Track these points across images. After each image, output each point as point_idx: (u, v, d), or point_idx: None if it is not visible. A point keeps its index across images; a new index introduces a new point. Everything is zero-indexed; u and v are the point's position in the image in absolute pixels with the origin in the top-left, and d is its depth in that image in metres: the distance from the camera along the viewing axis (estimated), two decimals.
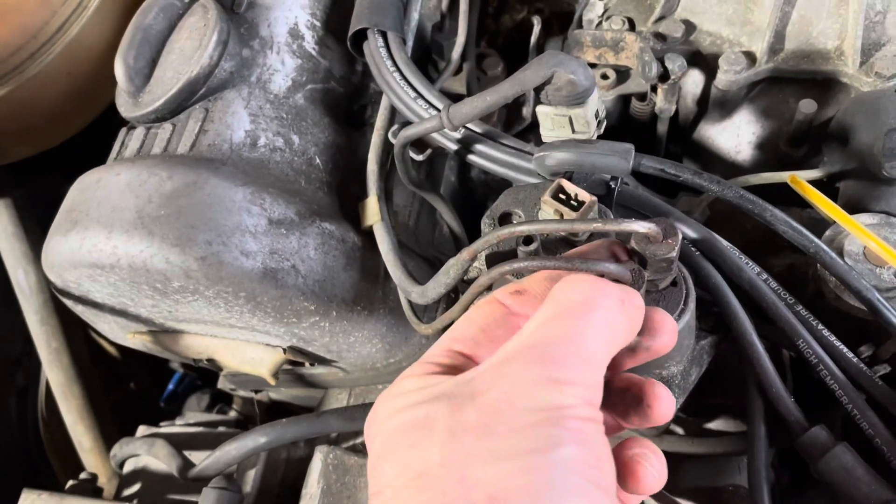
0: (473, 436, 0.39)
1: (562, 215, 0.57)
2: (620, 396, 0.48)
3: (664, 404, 0.47)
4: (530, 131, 0.95)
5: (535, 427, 0.38)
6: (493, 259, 0.63)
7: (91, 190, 0.74)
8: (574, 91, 0.63)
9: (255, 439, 0.76)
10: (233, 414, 1.11)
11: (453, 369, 0.44)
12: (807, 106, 0.77)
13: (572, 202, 0.57)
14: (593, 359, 0.41)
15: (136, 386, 1.46)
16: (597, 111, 0.66)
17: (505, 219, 0.65)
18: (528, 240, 0.56)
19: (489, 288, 0.60)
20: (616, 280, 0.49)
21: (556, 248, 0.59)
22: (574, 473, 0.37)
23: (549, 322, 0.42)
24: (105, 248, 0.70)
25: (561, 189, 0.57)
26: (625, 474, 0.46)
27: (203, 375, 1.38)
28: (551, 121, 0.66)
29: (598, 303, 0.43)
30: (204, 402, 1.26)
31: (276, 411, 1.09)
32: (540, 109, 0.65)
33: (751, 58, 0.81)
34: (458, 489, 0.37)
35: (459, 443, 0.39)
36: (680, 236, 0.50)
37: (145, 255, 0.69)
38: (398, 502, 0.39)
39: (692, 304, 0.55)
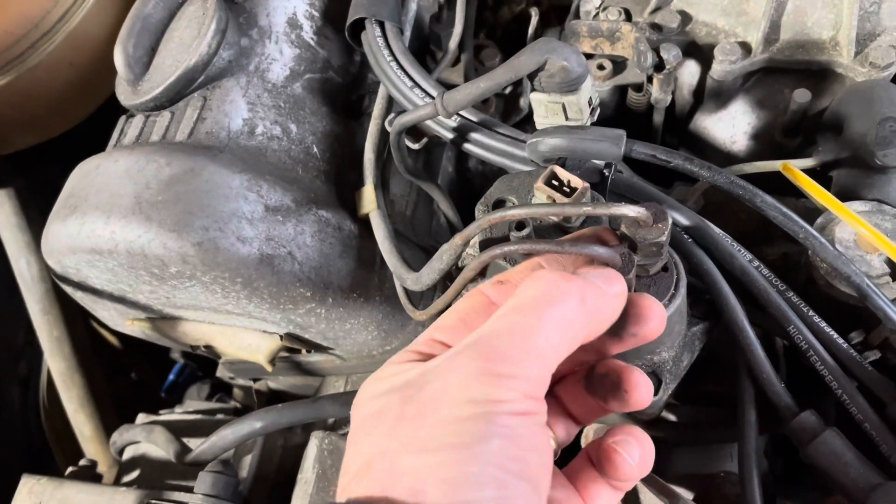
0: (409, 426, 0.40)
1: (554, 201, 0.57)
2: (601, 381, 0.48)
3: (641, 391, 0.47)
4: (528, 122, 0.95)
5: (465, 421, 0.39)
6: (487, 245, 0.63)
7: (90, 176, 0.75)
8: (567, 78, 0.63)
9: (252, 424, 0.77)
10: (232, 403, 1.11)
11: (429, 358, 0.45)
12: (801, 96, 0.78)
13: (565, 188, 0.57)
14: (541, 353, 0.41)
15: (136, 376, 1.47)
16: (590, 98, 0.66)
17: (499, 205, 0.66)
18: (520, 225, 0.57)
19: (482, 273, 0.60)
20: (605, 263, 0.50)
21: (548, 234, 0.59)
22: (494, 466, 0.38)
23: (503, 316, 0.43)
24: (103, 233, 0.71)
25: (554, 175, 0.57)
26: (603, 461, 0.47)
27: (203, 366, 1.39)
28: (545, 108, 0.66)
29: (556, 298, 0.43)
30: (204, 393, 1.27)
31: (274, 400, 1.09)
32: (533, 96, 0.66)
33: (746, 48, 0.82)
34: (388, 479, 0.39)
35: (397, 433, 0.40)
36: (670, 221, 0.50)
37: (143, 240, 0.70)
38: (347, 490, 0.41)
39: (683, 290, 0.56)
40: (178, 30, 0.80)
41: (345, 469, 0.43)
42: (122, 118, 0.83)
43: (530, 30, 0.93)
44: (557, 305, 0.43)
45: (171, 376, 1.39)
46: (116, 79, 0.82)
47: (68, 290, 0.84)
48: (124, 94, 0.80)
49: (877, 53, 0.77)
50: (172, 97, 0.78)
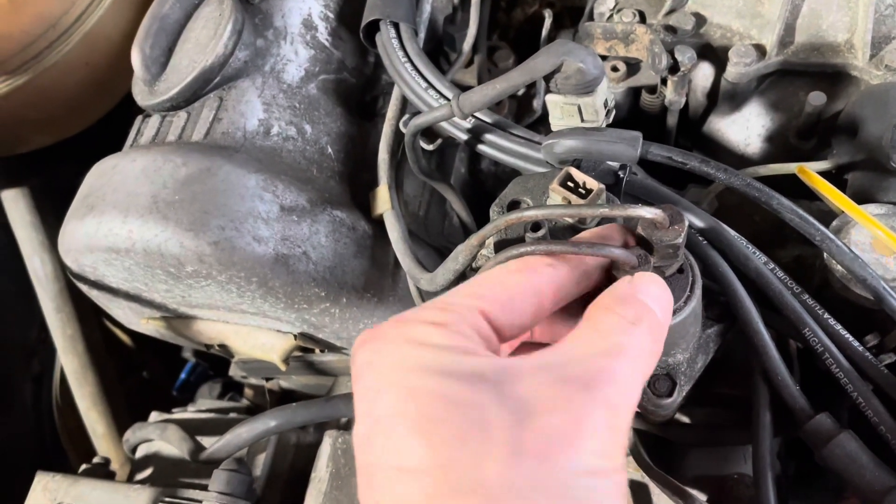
0: (534, 462, 0.37)
1: (570, 203, 0.58)
2: None
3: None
4: (541, 123, 0.95)
5: (594, 481, 0.38)
6: (501, 246, 0.63)
7: (107, 175, 0.76)
8: (583, 80, 0.63)
9: (266, 422, 0.77)
10: (244, 402, 1.12)
11: (482, 338, 0.43)
12: (816, 98, 0.78)
13: (580, 190, 0.58)
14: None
15: (148, 375, 1.48)
16: (606, 100, 0.66)
17: (513, 206, 0.66)
18: (536, 226, 0.57)
19: None
20: (622, 264, 0.50)
21: (563, 236, 0.59)
22: None
23: (604, 359, 0.42)
24: (121, 232, 0.71)
25: (569, 177, 0.57)
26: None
27: (215, 365, 1.40)
28: (560, 110, 0.67)
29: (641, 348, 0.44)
30: (216, 392, 1.27)
31: (286, 400, 1.09)
32: (549, 98, 0.66)
33: (761, 50, 0.82)
34: None
35: (521, 469, 0.36)
36: (686, 223, 0.50)
37: (160, 239, 0.70)
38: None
39: (698, 291, 0.56)
40: (195, 30, 0.81)
41: (412, 461, 0.37)
42: (139, 118, 0.84)
43: (544, 31, 0.94)
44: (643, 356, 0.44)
45: (183, 375, 1.40)
46: (133, 79, 0.82)
47: (84, 288, 0.85)
48: (141, 95, 0.81)
49: (892, 56, 0.77)
50: (189, 97, 0.78)
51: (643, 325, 0.45)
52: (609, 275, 0.51)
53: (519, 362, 0.41)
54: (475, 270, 0.66)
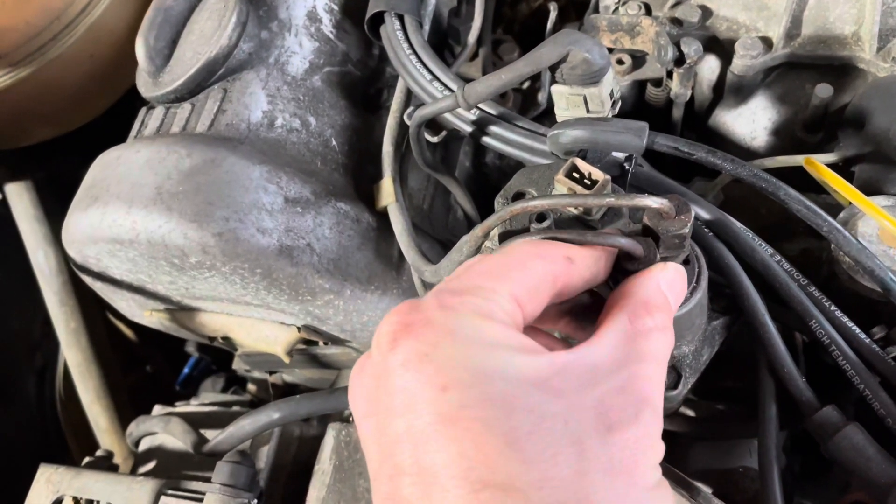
0: (625, 478, 0.37)
1: (575, 193, 0.57)
2: None
3: None
4: (545, 116, 0.95)
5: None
6: (506, 237, 0.63)
7: (111, 167, 0.76)
8: (589, 70, 0.63)
9: (269, 414, 0.77)
10: (247, 396, 1.12)
11: (526, 328, 0.42)
12: (823, 91, 0.77)
13: (586, 181, 0.57)
14: None
15: (152, 369, 1.48)
16: (612, 91, 0.66)
17: (518, 198, 0.66)
18: (541, 217, 0.57)
19: None
20: (628, 254, 0.50)
21: (568, 227, 0.59)
22: None
23: (649, 366, 0.42)
24: (125, 223, 0.71)
25: (575, 168, 0.57)
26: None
27: (218, 360, 1.40)
28: (566, 100, 0.66)
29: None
30: (219, 386, 1.27)
31: (289, 394, 1.09)
32: (555, 89, 0.66)
33: (767, 43, 0.81)
34: None
35: (615, 484, 0.37)
36: (693, 213, 0.50)
37: (164, 230, 0.70)
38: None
39: (704, 283, 0.56)
40: (199, 22, 0.80)
41: (508, 475, 0.35)
42: (143, 109, 0.84)
43: (549, 24, 0.93)
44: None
45: (186, 370, 1.39)
46: (137, 70, 0.82)
47: (88, 280, 0.85)
48: (145, 86, 0.81)
49: None
50: (193, 89, 0.78)
51: (670, 328, 0.45)
52: (617, 265, 0.51)
53: (569, 362, 0.40)
54: None
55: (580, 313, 0.53)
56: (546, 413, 0.37)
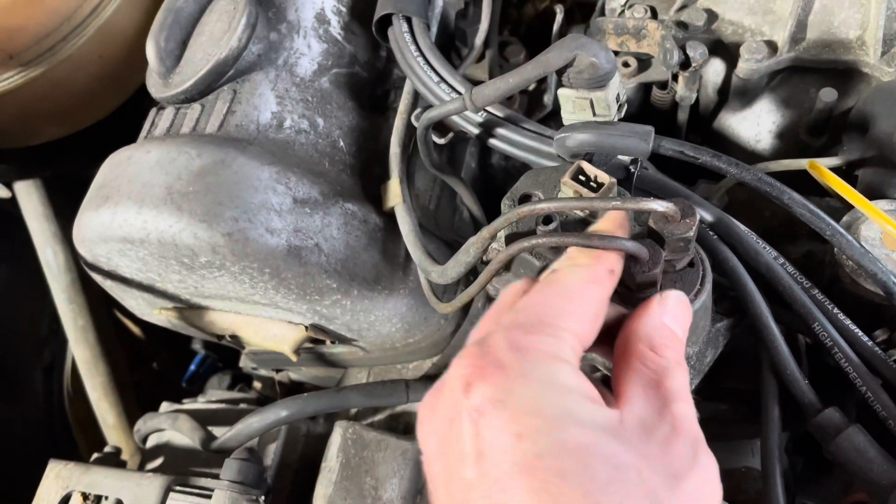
0: None
1: (581, 196, 0.58)
2: None
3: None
4: (551, 119, 0.95)
5: None
6: (513, 239, 0.63)
7: (122, 166, 0.76)
8: (596, 74, 0.64)
9: (277, 412, 0.78)
10: (254, 393, 1.13)
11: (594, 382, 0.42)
12: (827, 95, 0.78)
13: (592, 184, 0.58)
14: None
15: (158, 366, 1.49)
16: (618, 94, 0.67)
17: (525, 200, 0.66)
18: (547, 219, 0.57)
19: (508, 266, 0.61)
20: (633, 257, 0.50)
21: (574, 229, 0.60)
22: None
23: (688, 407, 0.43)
24: (135, 222, 0.72)
25: (581, 171, 0.58)
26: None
27: (224, 357, 1.41)
28: (572, 104, 0.67)
29: None
30: (225, 383, 1.28)
31: (296, 392, 1.10)
32: (561, 92, 0.66)
33: (772, 47, 0.82)
34: None
35: None
36: (698, 216, 0.51)
37: (174, 230, 0.71)
38: None
39: (709, 286, 0.56)
40: (209, 24, 0.81)
41: None
42: (153, 110, 0.84)
43: (555, 27, 0.94)
44: None
45: (193, 367, 1.40)
46: (147, 71, 0.83)
47: (98, 278, 0.86)
48: (155, 87, 0.82)
49: None
50: (203, 90, 0.79)
51: (683, 362, 0.46)
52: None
53: (624, 414, 0.40)
54: (486, 263, 0.66)
55: None
56: (621, 464, 0.37)
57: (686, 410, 0.42)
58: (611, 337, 0.48)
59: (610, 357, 0.49)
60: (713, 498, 0.40)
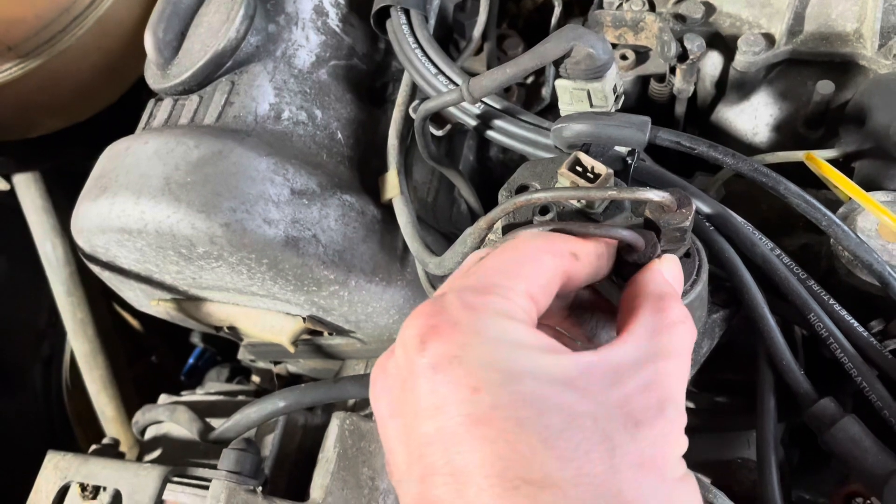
0: (654, 473, 0.38)
1: (578, 187, 0.58)
2: None
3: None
4: (549, 111, 0.95)
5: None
6: (510, 229, 0.64)
7: (120, 157, 0.76)
8: (593, 65, 0.64)
9: (275, 403, 0.78)
10: (252, 385, 1.13)
11: (541, 326, 0.43)
12: (824, 87, 0.78)
13: (589, 175, 0.58)
14: None
15: (157, 359, 1.49)
16: (615, 86, 0.67)
17: (522, 191, 0.66)
18: (544, 210, 0.57)
19: None
20: (629, 246, 0.50)
21: (571, 220, 0.60)
22: None
23: (670, 361, 0.43)
24: (133, 213, 0.72)
25: (578, 161, 0.58)
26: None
27: (223, 350, 1.41)
28: (570, 95, 0.67)
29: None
30: (223, 376, 1.29)
31: (294, 384, 1.10)
32: (559, 83, 0.67)
33: (770, 39, 0.82)
34: None
35: (646, 480, 0.38)
36: (694, 207, 0.51)
37: (172, 220, 0.71)
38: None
39: (705, 276, 0.56)
40: (207, 15, 0.81)
41: (544, 472, 0.35)
42: (151, 101, 0.85)
43: (553, 19, 0.94)
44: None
45: (191, 360, 1.41)
46: (146, 63, 0.83)
47: (96, 269, 0.86)
48: (153, 78, 0.82)
49: None
50: (201, 81, 0.79)
51: (690, 319, 0.46)
52: (619, 259, 0.51)
53: (594, 362, 0.40)
54: None
55: (580, 309, 0.53)
56: (576, 411, 0.37)
57: (673, 368, 0.42)
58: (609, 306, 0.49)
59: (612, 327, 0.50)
60: (674, 449, 0.40)
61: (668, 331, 0.44)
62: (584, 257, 0.47)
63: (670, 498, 0.39)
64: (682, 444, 0.41)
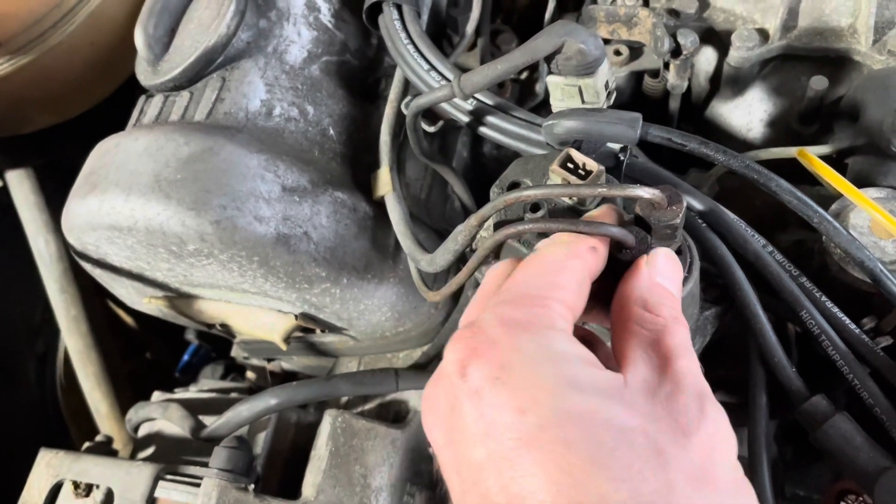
0: (710, 483, 0.37)
1: (569, 183, 0.58)
2: None
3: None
4: (543, 107, 0.95)
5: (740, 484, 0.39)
6: (501, 226, 0.63)
7: (110, 154, 0.76)
8: (584, 61, 0.63)
9: (266, 400, 0.78)
10: (246, 383, 1.13)
11: (584, 343, 0.42)
12: (818, 83, 0.78)
13: (580, 171, 0.58)
14: None
15: (151, 356, 1.49)
16: (607, 82, 0.66)
17: (514, 187, 0.66)
18: (535, 207, 0.57)
19: (496, 253, 0.61)
20: (619, 243, 0.50)
21: (562, 217, 0.60)
22: None
23: (689, 361, 0.43)
24: (123, 210, 0.72)
25: (569, 158, 0.58)
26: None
27: (217, 347, 1.41)
28: (561, 91, 0.67)
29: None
30: (218, 373, 1.28)
31: (287, 382, 1.10)
32: (550, 79, 0.66)
33: (764, 35, 0.81)
34: None
35: (705, 490, 0.37)
36: (684, 203, 0.50)
37: (162, 217, 0.71)
38: None
39: (696, 273, 0.56)
40: (198, 11, 0.81)
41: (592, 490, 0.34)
42: (142, 98, 0.84)
43: (547, 15, 0.94)
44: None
45: (186, 357, 1.40)
46: (136, 59, 0.83)
47: (87, 267, 0.85)
48: (144, 75, 0.81)
49: (895, 41, 0.77)
50: (191, 77, 0.79)
51: (680, 315, 0.46)
52: (610, 255, 0.51)
53: (627, 378, 0.40)
54: (474, 251, 0.66)
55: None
56: (626, 427, 0.37)
57: (688, 365, 0.42)
58: (604, 303, 0.49)
59: (606, 323, 0.49)
60: (726, 448, 0.40)
61: (664, 334, 0.43)
62: (602, 249, 0.47)
63: (733, 500, 0.38)
64: (732, 443, 0.41)
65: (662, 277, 0.48)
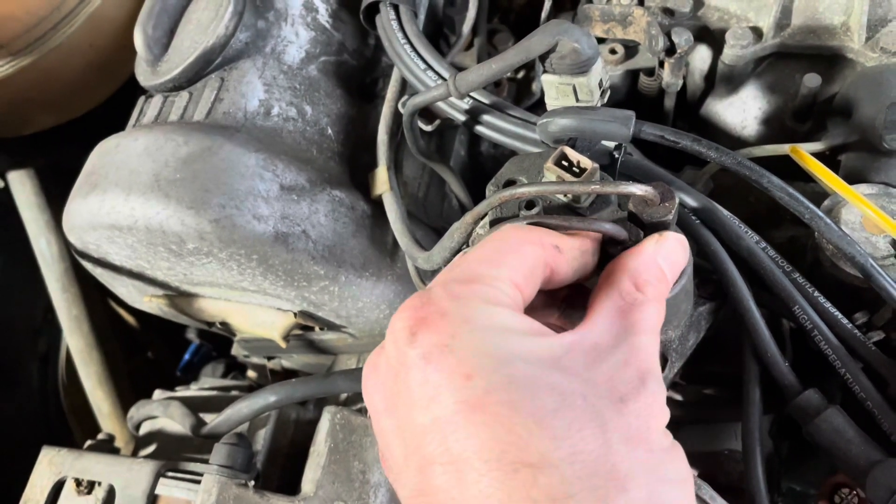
0: (642, 445, 0.39)
1: (563, 181, 0.58)
2: None
3: None
4: (540, 106, 0.95)
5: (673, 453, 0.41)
6: (497, 224, 0.64)
7: (110, 154, 0.77)
8: (578, 59, 0.64)
9: (266, 398, 0.78)
10: (247, 381, 1.13)
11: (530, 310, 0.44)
12: (811, 80, 0.78)
13: (575, 169, 0.58)
14: None
15: (153, 355, 1.50)
16: (601, 80, 0.67)
17: (509, 185, 0.67)
18: (530, 204, 0.58)
19: None
20: (612, 238, 0.51)
21: (557, 214, 0.60)
22: None
23: (646, 336, 0.44)
24: (123, 209, 0.73)
25: (564, 156, 0.58)
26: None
27: (218, 346, 1.41)
28: (556, 90, 0.67)
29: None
30: (219, 372, 1.29)
31: (288, 379, 1.11)
32: (545, 78, 0.67)
33: (757, 33, 0.82)
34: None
35: (636, 452, 0.39)
36: (677, 200, 0.51)
37: (161, 216, 0.72)
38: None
39: (690, 269, 0.57)
40: (197, 11, 0.82)
41: (541, 452, 0.36)
42: (141, 98, 0.85)
43: (543, 14, 0.94)
44: None
45: (187, 356, 1.41)
46: (136, 60, 0.84)
47: (88, 266, 0.86)
48: (143, 75, 0.82)
49: (888, 39, 0.77)
50: (190, 78, 0.80)
51: (661, 300, 0.47)
52: (604, 254, 0.52)
53: (576, 341, 0.42)
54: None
55: (571, 308, 0.54)
56: (566, 391, 0.38)
57: (646, 343, 0.43)
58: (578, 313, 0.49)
59: None
60: (660, 419, 0.42)
61: (636, 309, 0.45)
62: (568, 251, 0.48)
63: (660, 468, 0.40)
64: (665, 414, 0.42)
65: (664, 259, 0.48)
